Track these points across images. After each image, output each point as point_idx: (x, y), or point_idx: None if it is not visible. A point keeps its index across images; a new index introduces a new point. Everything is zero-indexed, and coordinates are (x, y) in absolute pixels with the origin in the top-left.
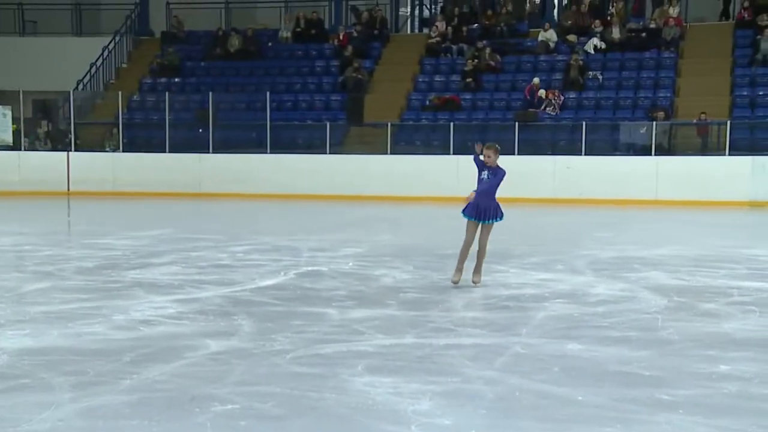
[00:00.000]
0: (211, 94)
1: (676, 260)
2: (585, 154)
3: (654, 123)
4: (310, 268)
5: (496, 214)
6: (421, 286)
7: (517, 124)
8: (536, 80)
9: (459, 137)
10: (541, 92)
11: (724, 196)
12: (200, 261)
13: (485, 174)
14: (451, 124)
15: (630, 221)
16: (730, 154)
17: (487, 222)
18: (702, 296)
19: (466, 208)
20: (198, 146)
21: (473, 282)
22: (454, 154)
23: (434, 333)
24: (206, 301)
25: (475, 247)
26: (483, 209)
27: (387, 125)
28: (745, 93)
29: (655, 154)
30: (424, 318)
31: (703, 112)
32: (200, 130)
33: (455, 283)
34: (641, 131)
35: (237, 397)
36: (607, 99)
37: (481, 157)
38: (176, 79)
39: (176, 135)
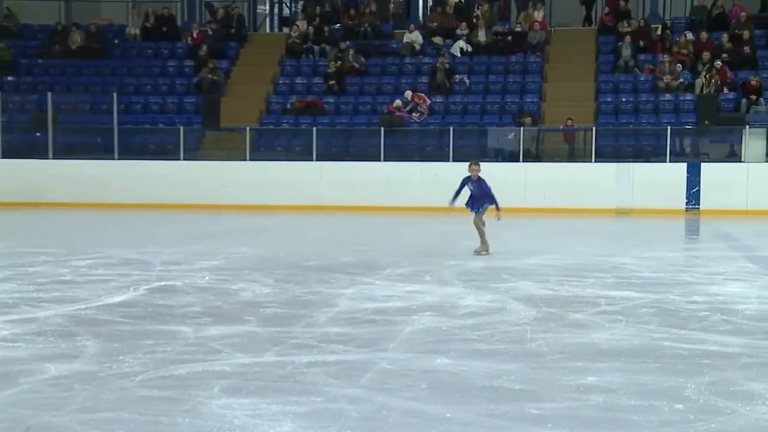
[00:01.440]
0: (50, 94)
1: (545, 270)
2: (453, 161)
3: (521, 128)
4: (162, 283)
5: (482, 204)
6: (283, 301)
7: (382, 129)
8: (398, 102)
9: (322, 142)
10: (407, 94)
11: (591, 204)
12: (39, 277)
13: (471, 186)
14: (314, 129)
15: (499, 230)
16: (596, 161)
17: (474, 211)
18: (570, 306)
19: (466, 203)
20: (36, 151)
21: (475, 252)
22: (317, 160)
23: (296, 350)
24: (45, 321)
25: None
26: (475, 204)
27: (246, 130)
28: (609, 99)
29: (523, 161)
30: (286, 334)
31: (569, 118)
32: (38, 134)
33: (480, 252)
34: (509, 137)
35: (80, 425)
36: (474, 103)
37: (468, 173)
38: (9, 78)
39: (11, 139)
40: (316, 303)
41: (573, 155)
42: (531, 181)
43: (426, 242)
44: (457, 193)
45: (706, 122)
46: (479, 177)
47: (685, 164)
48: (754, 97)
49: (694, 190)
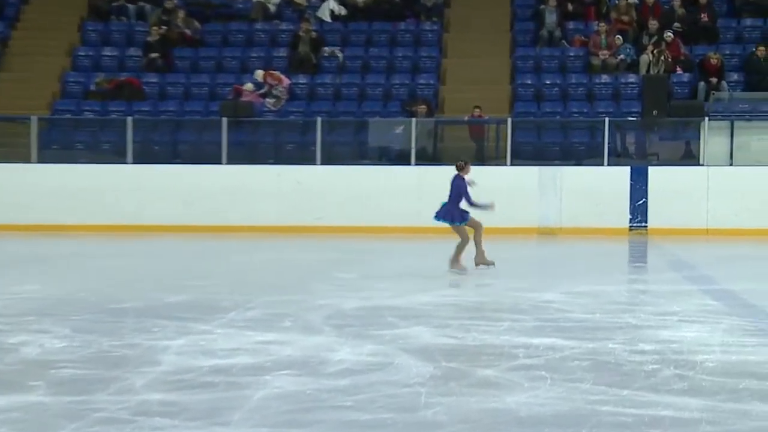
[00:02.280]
0: None
1: (445, 310)
2: (321, 163)
3: (414, 120)
4: None
5: (453, 218)
6: (84, 358)
7: (225, 120)
8: (249, 85)
9: (141, 137)
10: (258, 73)
11: (507, 221)
12: None
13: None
14: (129, 119)
15: (383, 257)
16: (512, 164)
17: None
18: (478, 360)
19: (464, 216)
20: None
21: (451, 268)
22: (134, 162)
23: (102, 427)
24: None
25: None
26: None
27: (31, 120)
28: (528, 81)
29: (417, 163)
30: (88, 405)
31: (477, 107)
32: None
33: (490, 263)
34: (397, 131)
35: None
36: (350, 86)
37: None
38: None
39: None
40: (132, 360)
41: (482, 156)
42: (427, 190)
43: (284, 274)
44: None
45: (655, 113)
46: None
47: (627, 168)
48: (714, 79)
49: (640, 202)
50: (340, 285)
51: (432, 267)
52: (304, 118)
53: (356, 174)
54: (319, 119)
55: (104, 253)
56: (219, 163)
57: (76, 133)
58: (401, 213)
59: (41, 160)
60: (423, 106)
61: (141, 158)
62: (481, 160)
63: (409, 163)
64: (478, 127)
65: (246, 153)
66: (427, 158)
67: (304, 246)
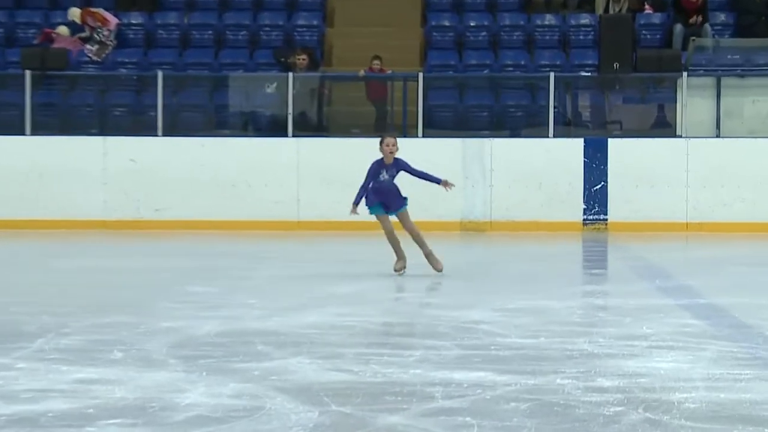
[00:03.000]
0: None
1: (336, 335)
2: (163, 134)
3: (291, 76)
4: None
5: (402, 199)
6: None
7: (28, 74)
8: (62, 28)
9: None
10: (73, 12)
11: (419, 213)
12: None
13: (385, 174)
14: None
15: (251, 262)
16: (424, 135)
17: (399, 211)
18: (380, 402)
19: (368, 203)
20: None
21: (438, 270)
22: None
23: None
24: None
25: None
26: (389, 202)
27: None
28: (446, 23)
29: (295, 135)
30: None
31: (376, 57)
32: None
33: (400, 270)
34: (268, 90)
35: None
36: (203, 29)
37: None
38: None
39: None
40: None
41: (383, 125)
42: (308, 171)
43: (113, 287)
44: (364, 188)
45: (616, 66)
46: (396, 159)
47: (581, 141)
48: (694, 19)
49: (597, 187)
50: (192, 302)
51: (316, 275)
52: (138, 71)
53: (212, 150)
54: (159, 73)
55: None
56: (21, 134)
57: None
58: (275, 203)
59: None
60: (303, 57)
61: None
62: (383, 129)
63: (285, 135)
64: (378, 84)
65: (59, 120)
66: (309, 128)
67: (140, 248)
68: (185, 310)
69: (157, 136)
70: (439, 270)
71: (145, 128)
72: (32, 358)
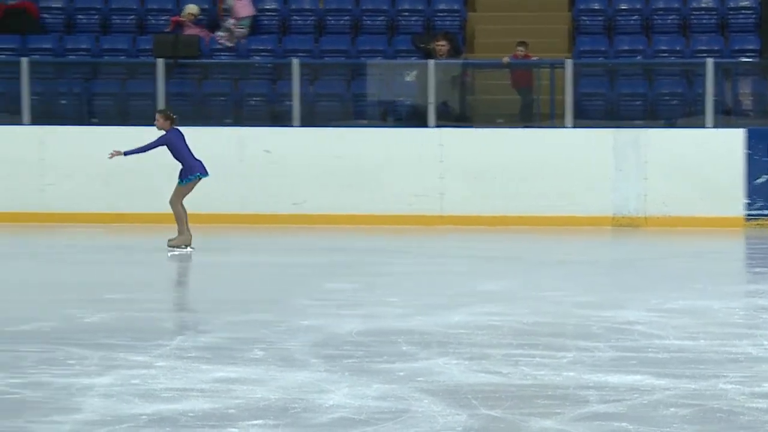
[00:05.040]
0: None
1: (483, 335)
2: (300, 125)
3: (431, 63)
4: None
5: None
6: None
7: (161, 63)
8: (192, 7)
9: (40, 87)
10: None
11: (569, 208)
12: None
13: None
14: (24, 60)
15: (392, 258)
16: (574, 126)
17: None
18: (531, 405)
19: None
20: None
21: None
22: (33, 123)
23: None
24: None
25: None
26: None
27: None
28: (596, 6)
29: (438, 125)
30: None
31: (521, 44)
32: None
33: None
34: (407, 79)
35: None
36: (340, 14)
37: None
38: None
39: None
40: (37, 406)
41: (529, 115)
42: (451, 163)
43: (252, 284)
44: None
45: None
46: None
47: (742, 131)
48: None
49: (761, 180)
50: (331, 299)
51: (459, 272)
52: (273, 59)
53: (350, 140)
54: (295, 61)
55: None
56: (152, 124)
57: None
58: (416, 196)
59: None
60: (443, 43)
61: (42, 118)
62: (529, 119)
63: (425, 125)
64: (523, 72)
65: (191, 110)
66: (450, 118)
67: (278, 243)
68: (324, 307)
69: (292, 126)
70: (171, 244)
71: (281, 119)
72: (171, 356)
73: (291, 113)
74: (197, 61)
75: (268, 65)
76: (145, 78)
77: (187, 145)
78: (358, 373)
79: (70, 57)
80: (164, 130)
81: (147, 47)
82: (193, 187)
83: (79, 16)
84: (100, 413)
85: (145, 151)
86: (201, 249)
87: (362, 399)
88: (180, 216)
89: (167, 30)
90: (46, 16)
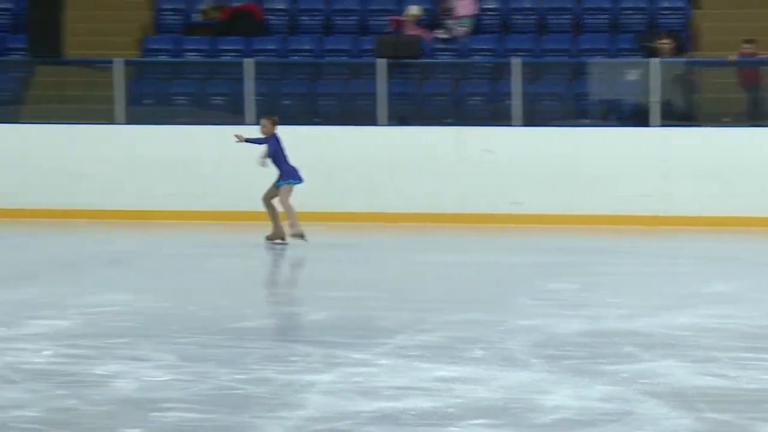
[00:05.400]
0: None
1: (710, 337)
2: (521, 124)
3: (655, 62)
4: None
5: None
6: (196, 398)
7: (383, 63)
8: (414, 9)
9: (264, 87)
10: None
11: None
12: None
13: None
14: (247, 62)
15: (615, 259)
16: None
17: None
18: (763, 410)
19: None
20: None
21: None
22: (257, 123)
23: None
24: None
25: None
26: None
27: (113, 64)
28: None
29: (662, 124)
30: None
31: (748, 41)
32: None
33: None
34: (629, 78)
35: None
36: (561, 13)
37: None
38: None
39: None
40: (262, 401)
41: (758, 112)
42: (676, 163)
43: (471, 283)
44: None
45: None
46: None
47: None
48: None
49: None
50: (552, 299)
51: (683, 273)
52: (494, 59)
53: (571, 140)
54: (516, 61)
55: (216, 251)
56: (374, 123)
57: (173, 82)
58: (639, 196)
59: (130, 121)
60: (667, 41)
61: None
62: (757, 118)
63: (647, 124)
64: (750, 70)
65: (412, 109)
66: (675, 116)
67: (496, 243)
68: (545, 307)
69: (513, 125)
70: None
71: (501, 118)
72: (392, 354)
73: (511, 112)
74: (418, 61)
75: (489, 65)
76: (366, 78)
77: (283, 149)
78: (581, 374)
79: (294, 58)
80: (268, 135)
81: (369, 48)
82: (288, 192)
83: (302, 18)
84: (323, 410)
85: (258, 143)
86: (418, 248)
87: (585, 400)
88: (282, 212)
89: (388, 30)
90: (269, 17)
